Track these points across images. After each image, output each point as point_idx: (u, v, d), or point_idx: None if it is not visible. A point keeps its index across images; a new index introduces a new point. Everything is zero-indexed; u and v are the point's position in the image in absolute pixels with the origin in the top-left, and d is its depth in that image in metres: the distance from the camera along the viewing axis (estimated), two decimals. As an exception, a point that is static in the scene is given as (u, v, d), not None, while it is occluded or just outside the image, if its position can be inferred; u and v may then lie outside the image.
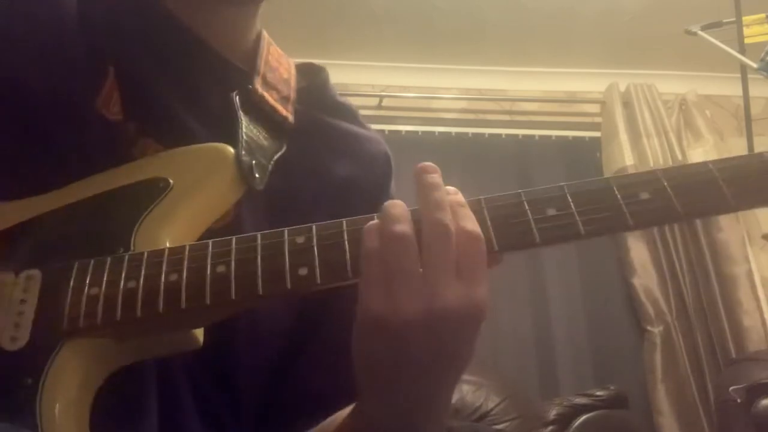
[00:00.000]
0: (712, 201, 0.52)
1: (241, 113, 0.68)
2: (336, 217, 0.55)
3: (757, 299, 3.24)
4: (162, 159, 0.64)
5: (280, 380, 0.69)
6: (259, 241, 0.54)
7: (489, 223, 0.53)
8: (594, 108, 3.66)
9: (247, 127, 0.67)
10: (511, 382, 2.88)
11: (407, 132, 3.55)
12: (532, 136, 3.64)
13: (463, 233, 0.51)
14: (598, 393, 2.61)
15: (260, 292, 0.52)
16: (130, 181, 0.62)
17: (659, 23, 3.21)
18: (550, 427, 2.54)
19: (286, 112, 0.72)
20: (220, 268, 0.53)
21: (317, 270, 0.52)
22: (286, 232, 0.55)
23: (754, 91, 2.74)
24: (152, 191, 0.61)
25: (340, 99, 0.82)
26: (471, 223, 0.51)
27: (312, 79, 0.80)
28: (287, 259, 0.53)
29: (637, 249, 3.31)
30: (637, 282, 3.28)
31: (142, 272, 0.54)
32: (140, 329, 0.55)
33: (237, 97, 0.68)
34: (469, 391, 2.71)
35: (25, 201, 0.62)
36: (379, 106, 3.55)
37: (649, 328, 3.21)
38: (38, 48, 0.66)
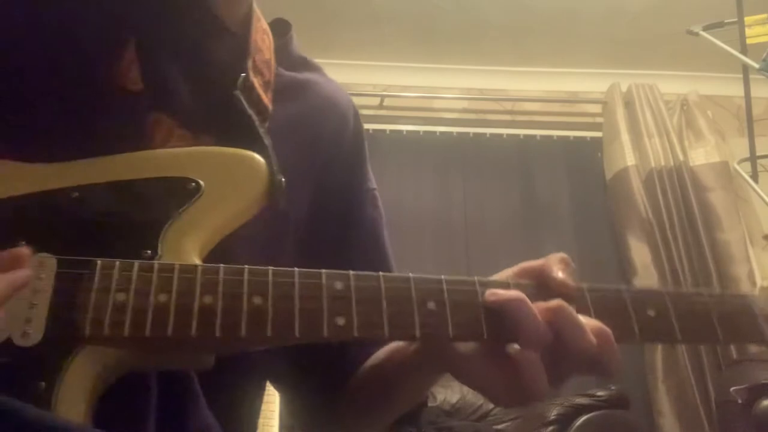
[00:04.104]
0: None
1: (252, 114, 0.66)
2: (286, 159, 0.60)
3: (758, 300, 3.23)
4: (192, 157, 0.61)
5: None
6: (296, 278, 0.52)
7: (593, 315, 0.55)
8: (595, 108, 3.66)
9: (264, 133, 0.65)
10: (511, 381, 2.87)
11: (408, 132, 3.55)
12: (534, 136, 3.65)
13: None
14: (599, 393, 2.61)
15: (297, 335, 0.50)
16: (158, 175, 0.59)
17: (661, 23, 3.21)
18: (551, 427, 2.53)
19: (268, 101, 0.70)
20: (257, 300, 0.50)
21: (354, 322, 0.51)
22: (324, 275, 0.52)
23: (755, 92, 2.74)
24: (182, 192, 0.58)
25: (301, 55, 0.82)
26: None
27: (279, 39, 0.80)
28: (325, 306, 0.51)
29: (639, 249, 3.30)
30: (638, 282, 3.27)
31: (174, 287, 0.50)
32: (162, 345, 0.52)
33: (242, 95, 0.66)
34: (470, 391, 2.71)
35: (40, 167, 0.58)
36: (381, 106, 3.55)
37: (650, 328, 3.20)
38: (59, 19, 0.65)
